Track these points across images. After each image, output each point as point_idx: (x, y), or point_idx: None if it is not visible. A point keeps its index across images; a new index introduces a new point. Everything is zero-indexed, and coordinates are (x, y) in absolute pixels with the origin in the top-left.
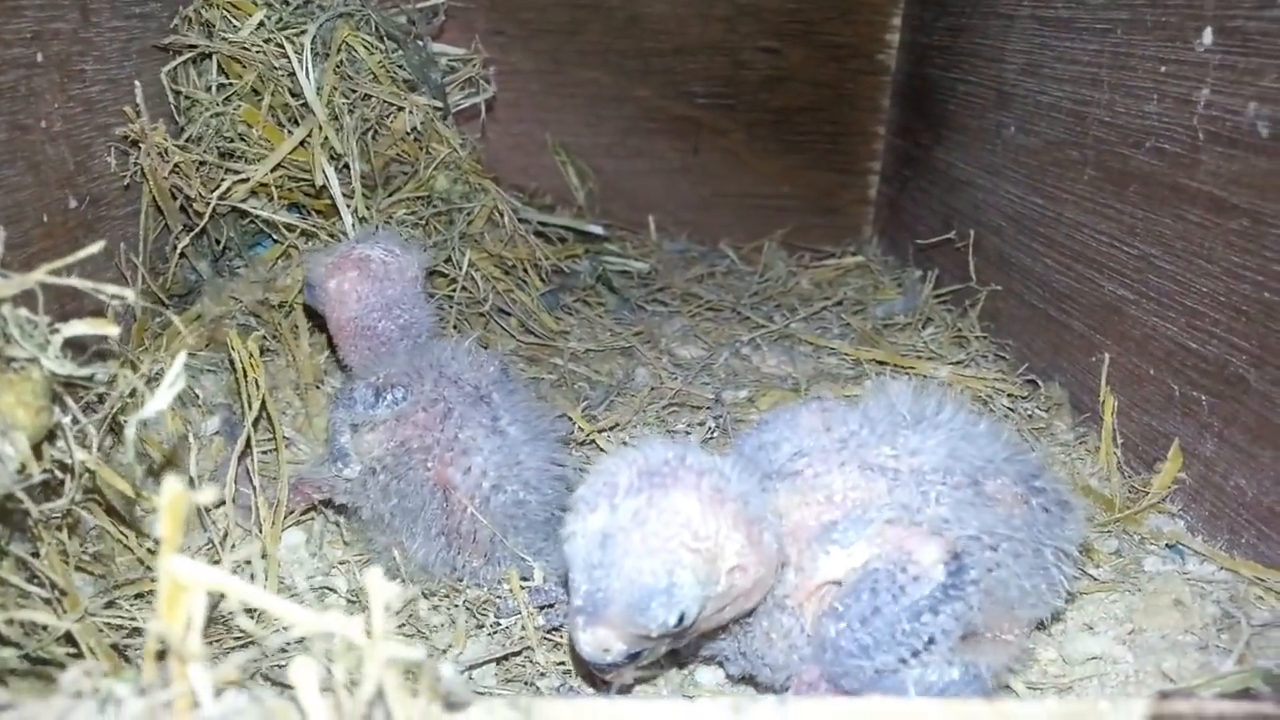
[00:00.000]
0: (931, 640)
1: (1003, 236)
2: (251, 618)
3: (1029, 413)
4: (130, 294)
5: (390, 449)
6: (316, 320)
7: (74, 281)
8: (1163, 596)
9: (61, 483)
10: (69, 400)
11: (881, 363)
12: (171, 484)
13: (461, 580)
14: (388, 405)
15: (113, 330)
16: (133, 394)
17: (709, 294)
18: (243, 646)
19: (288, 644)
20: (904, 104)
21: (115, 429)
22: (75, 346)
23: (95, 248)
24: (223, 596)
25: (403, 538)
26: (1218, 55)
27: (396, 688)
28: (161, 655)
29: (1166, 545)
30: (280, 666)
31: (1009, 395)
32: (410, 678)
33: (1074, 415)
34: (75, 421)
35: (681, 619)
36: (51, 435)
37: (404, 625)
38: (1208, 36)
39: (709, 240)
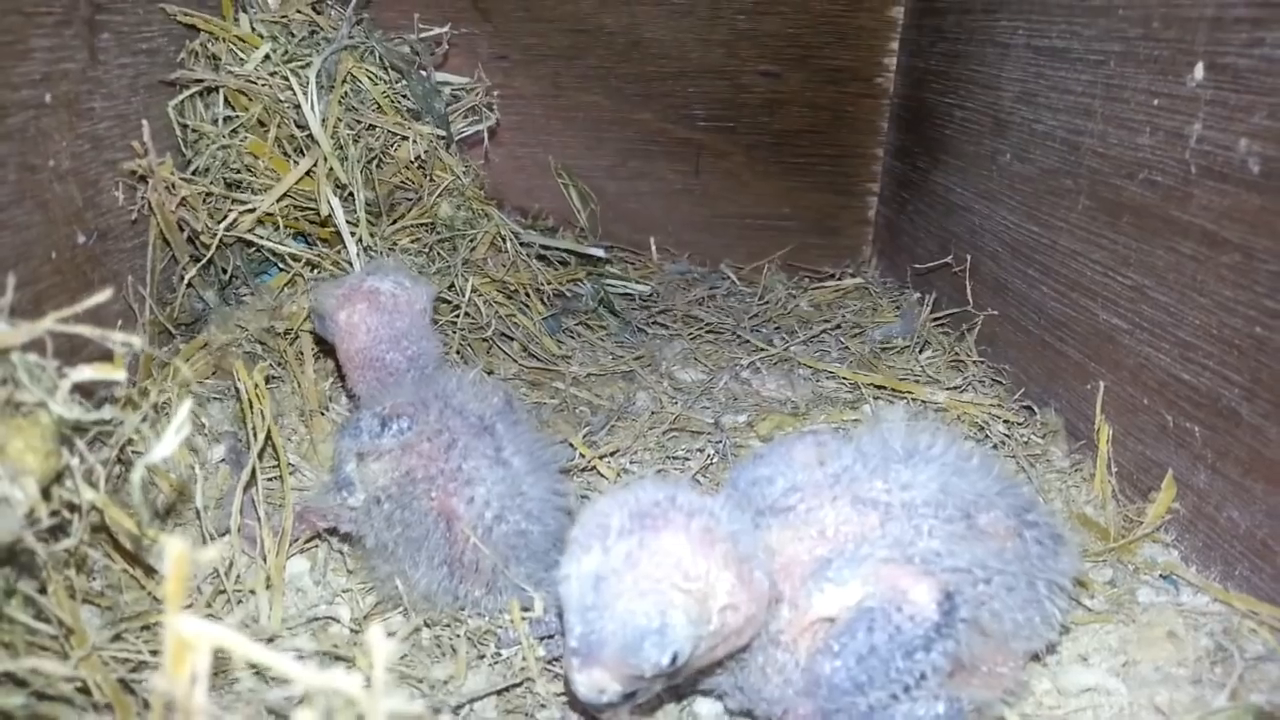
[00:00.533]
0: (923, 676)
1: (999, 262)
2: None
3: (1025, 439)
4: (137, 341)
5: (395, 479)
6: (324, 346)
7: (82, 329)
8: (1156, 628)
9: (69, 520)
10: (77, 441)
11: (880, 387)
12: (174, 544)
13: (464, 610)
14: (393, 435)
15: (120, 375)
16: (141, 424)
17: (709, 316)
18: (234, 683)
19: (290, 696)
20: (902, 127)
21: (122, 460)
22: (83, 385)
23: (103, 296)
24: None
25: (406, 567)
26: (1209, 90)
27: None
28: (169, 707)
29: (1161, 575)
30: (284, 717)
31: (1005, 421)
32: None
33: (1070, 442)
34: (83, 460)
35: (674, 659)
36: (59, 475)
37: (406, 656)
38: (1199, 72)
39: (710, 261)
